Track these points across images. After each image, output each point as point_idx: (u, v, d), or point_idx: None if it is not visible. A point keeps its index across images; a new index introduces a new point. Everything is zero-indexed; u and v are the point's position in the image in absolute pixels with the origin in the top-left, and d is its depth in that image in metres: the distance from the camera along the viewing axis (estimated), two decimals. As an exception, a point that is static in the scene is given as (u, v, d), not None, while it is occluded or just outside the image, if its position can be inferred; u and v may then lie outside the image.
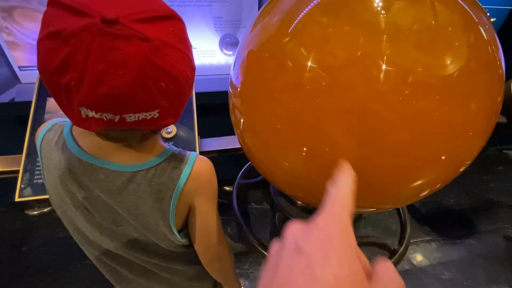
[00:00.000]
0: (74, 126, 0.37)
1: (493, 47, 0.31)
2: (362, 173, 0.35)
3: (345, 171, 0.23)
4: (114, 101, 0.27)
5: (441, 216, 1.58)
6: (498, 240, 1.47)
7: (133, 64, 0.26)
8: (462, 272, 1.32)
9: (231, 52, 1.18)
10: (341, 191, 0.21)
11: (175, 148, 0.39)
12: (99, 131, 0.31)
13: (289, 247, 0.18)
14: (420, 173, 0.36)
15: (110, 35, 0.25)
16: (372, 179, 0.35)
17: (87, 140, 0.36)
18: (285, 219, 0.59)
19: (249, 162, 0.78)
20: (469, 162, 0.37)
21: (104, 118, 0.28)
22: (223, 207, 1.60)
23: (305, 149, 0.35)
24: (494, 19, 1.28)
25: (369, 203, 0.41)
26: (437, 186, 0.40)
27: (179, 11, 1.08)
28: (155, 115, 0.30)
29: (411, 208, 1.58)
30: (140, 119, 0.29)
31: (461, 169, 0.38)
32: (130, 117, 0.28)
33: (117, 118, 0.28)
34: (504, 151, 2.02)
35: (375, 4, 0.30)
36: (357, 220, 0.60)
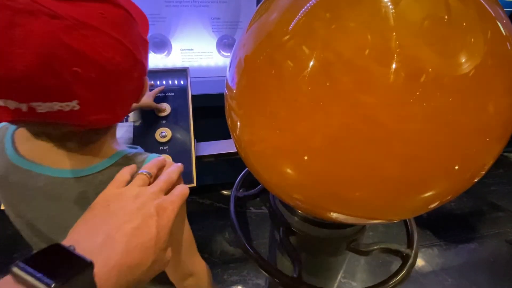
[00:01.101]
0: (18, 129, 0.33)
1: None
2: (366, 183, 0.32)
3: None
4: (13, 85, 0.24)
5: (442, 220, 1.56)
6: (500, 245, 1.45)
7: (36, 43, 0.22)
8: (465, 278, 1.29)
9: (228, 54, 1.16)
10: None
11: (131, 150, 0.36)
12: (23, 127, 0.27)
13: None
14: (431, 184, 0.34)
15: (10, 9, 0.21)
16: (379, 190, 0.33)
17: (27, 144, 0.32)
18: (285, 229, 0.56)
19: (245, 170, 0.76)
20: (483, 172, 0.35)
21: (9, 106, 0.25)
22: (221, 211, 1.57)
23: (305, 157, 0.33)
24: None
25: (376, 215, 0.38)
26: (448, 198, 0.38)
27: (175, 11, 1.06)
28: (74, 106, 0.26)
29: (412, 212, 1.56)
30: (55, 109, 0.26)
31: (475, 180, 0.35)
32: (41, 107, 0.25)
33: (24, 107, 0.25)
34: (505, 153, 2.01)
35: (383, -1, 0.28)
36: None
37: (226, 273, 1.29)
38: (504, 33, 0.28)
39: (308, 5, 0.32)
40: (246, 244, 0.58)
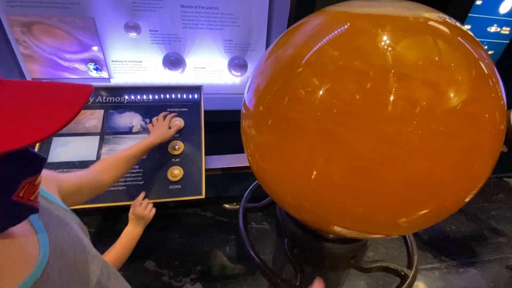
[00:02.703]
0: None
1: (494, 79, 0.34)
2: (368, 203, 0.36)
3: None
4: None
5: (443, 244, 1.56)
6: (501, 270, 1.45)
7: None
8: (466, 303, 1.28)
9: (239, 73, 1.23)
10: None
11: None
12: None
13: None
14: (426, 203, 0.37)
15: None
16: (378, 209, 0.36)
17: None
18: (292, 243, 0.59)
19: (254, 183, 0.79)
20: (475, 192, 0.38)
21: None
22: (223, 225, 1.58)
23: (311, 178, 0.37)
24: (492, 52, 1.33)
25: (374, 230, 0.42)
26: (442, 216, 0.41)
27: (191, 32, 1.13)
28: None
29: (413, 234, 1.56)
30: None
31: (467, 199, 0.39)
32: None
33: None
34: (505, 179, 2.03)
35: (383, 42, 0.33)
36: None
37: (225, 288, 1.29)
38: (486, 72, 0.33)
39: (319, 44, 0.37)
40: (252, 253, 0.60)
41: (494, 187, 1.97)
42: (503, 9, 1.22)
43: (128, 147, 0.75)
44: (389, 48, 0.33)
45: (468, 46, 0.33)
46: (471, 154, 0.34)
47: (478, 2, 1.17)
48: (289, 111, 0.38)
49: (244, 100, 0.49)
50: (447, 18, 0.36)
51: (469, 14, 1.19)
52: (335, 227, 0.43)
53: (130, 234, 0.73)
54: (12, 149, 0.22)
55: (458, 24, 0.37)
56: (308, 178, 0.38)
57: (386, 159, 0.33)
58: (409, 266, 0.62)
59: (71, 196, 0.53)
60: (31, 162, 0.30)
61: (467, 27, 1.22)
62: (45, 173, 0.48)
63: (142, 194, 0.81)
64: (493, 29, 1.26)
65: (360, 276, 1.28)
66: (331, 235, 0.56)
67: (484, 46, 1.30)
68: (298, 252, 0.59)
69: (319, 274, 0.67)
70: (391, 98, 0.32)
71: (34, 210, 0.32)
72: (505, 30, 1.28)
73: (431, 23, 0.34)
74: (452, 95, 0.32)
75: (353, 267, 0.61)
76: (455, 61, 0.32)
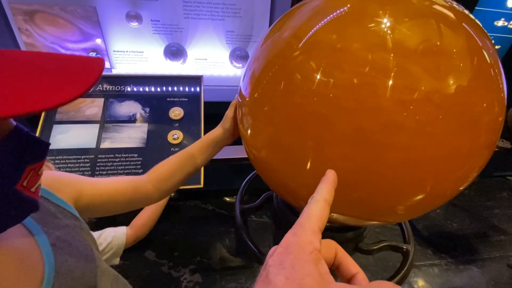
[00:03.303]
0: None
1: (496, 70, 0.33)
2: (364, 187, 0.36)
3: (326, 182, 0.27)
4: None
5: (444, 240, 1.55)
6: (501, 269, 1.44)
7: None
8: (465, 300, 1.28)
9: (240, 65, 1.22)
10: (316, 207, 0.24)
11: None
12: None
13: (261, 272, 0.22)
14: (421, 189, 0.37)
15: None
16: (374, 194, 0.36)
17: None
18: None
19: (247, 177, 0.79)
20: (469, 181, 0.38)
21: None
22: (223, 218, 1.59)
23: (308, 165, 0.36)
24: (499, 46, 1.30)
25: (370, 216, 0.41)
26: (438, 203, 0.41)
27: (193, 23, 1.12)
28: None
29: (413, 230, 1.55)
30: None
31: (461, 188, 0.38)
32: None
33: None
34: (508, 177, 2.00)
35: (383, 25, 0.32)
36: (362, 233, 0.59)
37: (224, 279, 1.30)
38: (488, 61, 0.32)
39: (317, 27, 0.36)
40: (253, 247, 0.60)
41: (498, 186, 1.95)
42: (510, 2, 1.19)
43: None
44: (389, 31, 0.32)
45: (473, 33, 0.32)
46: (467, 143, 0.33)
47: (486, -5, 1.15)
48: (285, 97, 0.37)
49: (240, 88, 0.48)
50: (454, 4, 0.35)
51: (475, 8, 1.17)
52: (332, 214, 0.42)
53: None
54: (24, 113, 0.19)
55: (465, 11, 0.36)
56: (305, 164, 0.37)
57: (382, 144, 0.33)
58: (407, 242, 0.64)
59: (102, 205, 0.47)
60: (35, 147, 0.26)
61: (474, 20, 1.20)
62: (64, 176, 0.44)
63: None
64: (500, 23, 1.23)
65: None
66: (328, 224, 0.55)
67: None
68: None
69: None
70: (390, 82, 0.31)
71: (35, 205, 0.28)
72: (513, 25, 1.25)
73: (435, 6, 0.33)
74: (451, 82, 0.31)
75: (358, 251, 0.61)
76: (457, 47, 0.31)
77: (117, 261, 0.75)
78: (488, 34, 0.37)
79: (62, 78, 0.23)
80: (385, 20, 0.32)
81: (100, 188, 0.47)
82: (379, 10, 0.33)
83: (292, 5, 1.02)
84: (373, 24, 0.33)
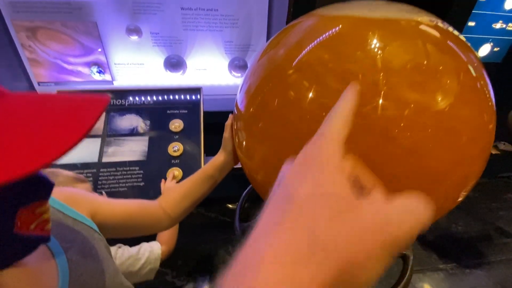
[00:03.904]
0: None
1: (482, 82, 0.33)
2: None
3: (348, 91, 0.23)
4: None
5: (449, 244, 1.54)
6: (507, 272, 1.42)
7: None
8: (471, 305, 1.26)
9: (239, 74, 1.23)
10: (338, 116, 0.21)
11: None
12: None
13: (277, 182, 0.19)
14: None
15: None
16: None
17: None
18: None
19: (242, 198, 0.79)
20: (465, 193, 0.38)
21: None
22: (225, 225, 1.59)
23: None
24: (498, 48, 1.30)
25: None
26: (436, 216, 0.41)
27: (192, 34, 1.14)
28: None
29: (418, 234, 1.54)
30: None
31: (459, 199, 0.39)
32: None
33: None
34: (513, 178, 1.98)
35: (373, 45, 0.33)
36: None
37: (228, 287, 1.29)
38: (474, 74, 0.32)
39: (310, 46, 0.37)
40: None
41: (502, 187, 1.93)
42: (508, 5, 1.19)
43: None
44: (379, 52, 0.33)
45: (457, 50, 0.33)
46: (460, 155, 0.33)
47: (483, -1, 1.15)
48: (280, 114, 0.38)
49: (236, 101, 0.49)
50: (439, 22, 0.36)
51: (473, 11, 1.17)
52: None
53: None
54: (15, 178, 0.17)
55: (450, 28, 0.36)
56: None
57: (375, 162, 0.33)
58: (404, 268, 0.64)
59: (114, 225, 0.46)
60: (32, 187, 0.25)
61: (471, 24, 1.20)
62: (81, 192, 0.45)
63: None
64: (498, 25, 1.24)
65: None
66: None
67: (490, 43, 1.28)
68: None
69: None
70: (380, 101, 0.32)
71: (42, 239, 0.27)
72: (511, 27, 1.25)
73: (422, 27, 0.34)
74: (440, 97, 0.31)
75: None
76: (443, 64, 0.32)
77: (153, 275, 0.75)
78: (487, 36, 0.37)
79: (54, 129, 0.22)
80: (374, 41, 0.33)
81: (114, 208, 0.47)
82: (369, 31, 0.34)
83: (288, 15, 1.04)
84: (363, 45, 0.33)
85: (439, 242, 1.53)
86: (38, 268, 0.30)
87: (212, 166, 0.58)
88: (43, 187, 0.27)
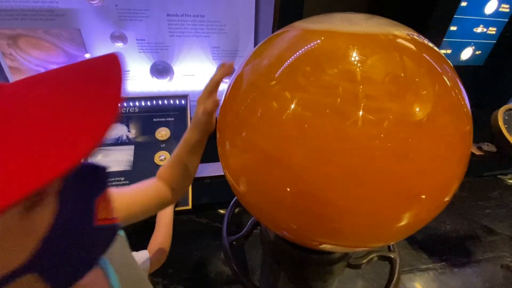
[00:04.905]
0: None
1: (456, 91, 0.34)
2: (345, 217, 0.36)
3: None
4: None
5: (438, 243, 1.56)
6: (495, 269, 1.45)
7: None
8: (460, 304, 1.28)
9: (227, 80, 1.23)
10: None
11: None
12: None
13: None
14: (402, 213, 0.37)
15: None
16: (355, 221, 0.36)
17: None
18: (274, 254, 0.58)
19: (228, 211, 0.79)
20: (448, 200, 0.39)
21: None
22: (217, 231, 1.58)
23: (288, 189, 0.37)
24: (479, 52, 1.34)
25: (358, 244, 0.42)
26: (421, 224, 0.41)
27: (178, 40, 1.13)
28: None
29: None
30: None
31: (445, 201, 0.39)
32: None
33: None
34: (499, 176, 2.04)
35: (353, 58, 0.33)
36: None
37: (221, 294, 1.28)
38: (449, 84, 0.33)
39: (293, 58, 0.37)
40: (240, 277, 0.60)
41: (489, 185, 1.98)
42: (488, 9, 1.23)
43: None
44: (359, 64, 0.33)
45: (433, 62, 0.33)
46: (441, 160, 0.34)
47: (463, 4, 1.18)
48: (261, 124, 0.38)
49: (220, 110, 0.49)
50: (415, 36, 0.36)
51: (454, 16, 1.20)
52: (317, 243, 0.43)
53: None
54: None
55: (425, 40, 0.37)
56: (283, 195, 0.38)
57: (357, 173, 0.33)
58: (392, 250, 0.66)
59: (127, 219, 0.46)
60: (96, 178, 0.25)
61: (453, 28, 1.23)
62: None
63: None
64: (479, 29, 1.27)
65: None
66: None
67: (471, 46, 1.31)
68: (288, 266, 0.59)
69: (310, 281, 0.66)
70: (360, 112, 0.32)
71: (117, 227, 0.27)
72: (492, 30, 1.29)
73: (399, 40, 0.35)
74: (417, 108, 0.32)
75: (348, 267, 0.61)
76: (420, 76, 0.32)
77: None
78: (468, 40, 0.38)
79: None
80: (354, 54, 0.33)
81: (121, 196, 0.46)
82: (349, 45, 0.34)
83: (275, 21, 1.04)
84: (344, 58, 0.34)
85: (428, 242, 1.56)
86: (93, 281, 0.29)
87: (185, 148, 0.55)
88: (103, 173, 0.26)
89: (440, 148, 0.34)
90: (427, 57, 0.33)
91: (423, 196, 0.36)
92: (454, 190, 0.40)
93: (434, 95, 0.32)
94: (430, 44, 0.36)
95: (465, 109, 0.35)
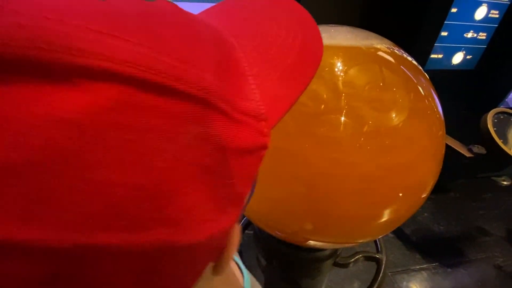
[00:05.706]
0: None
1: (430, 99, 0.38)
2: (329, 214, 0.39)
3: None
4: None
5: (432, 244, 1.59)
6: (488, 269, 1.48)
7: None
8: (453, 303, 1.31)
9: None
10: None
11: None
12: None
13: None
14: (383, 209, 0.40)
15: None
16: (338, 219, 0.39)
17: None
18: (266, 254, 0.61)
19: None
20: (425, 196, 0.42)
21: None
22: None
23: (275, 192, 0.39)
24: (470, 56, 1.38)
25: (345, 240, 0.45)
26: (402, 219, 0.44)
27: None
28: None
29: (401, 235, 1.59)
30: None
31: (420, 202, 0.42)
32: None
33: None
34: (492, 178, 2.07)
35: (336, 68, 0.36)
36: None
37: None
38: (423, 93, 0.36)
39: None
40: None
41: (482, 186, 2.01)
42: (478, 15, 1.27)
43: None
44: (341, 74, 0.36)
45: (409, 73, 0.37)
46: (415, 162, 0.37)
47: (454, 10, 1.22)
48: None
49: None
50: (395, 49, 0.40)
51: (445, 22, 1.24)
52: (306, 240, 0.45)
53: None
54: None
55: (404, 54, 0.41)
56: (271, 196, 0.40)
57: (337, 173, 0.36)
58: (380, 251, 0.68)
59: None
60: None
61: (444, 34, 1.26)
62: None
63: None
64: (470, 35, 1.31)
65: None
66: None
67: (462, 51, 1.35)
68: (277, 263, 0.62)
69: (300, 279, 0.69)
70: (342, 118, 0.35)
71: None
72: (482, 36, 1.33)
73: (379, 53, 0.38)
74: (394, 114, 0.35)
75: (335, 266, 0.64)
76: (396, 86, 0.35)
77: None
78: (459, 45, 0.41)
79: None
80: (338, 64, 0.36)
81: None
82: (333, 55, 0.37)
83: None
84: (328, 68, 0.37)
85: (422, 243, 1.58)
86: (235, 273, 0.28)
87: None
88: None
89: (415, 151, 0.37)
90: (404, 69, 0.37)
91: (401, 194, 0.39)
92: (430, 188, 0.43)
93: (409, 102, 0.35)
94: (409, 58, 0.39)
95: (438, 115, 0.38)
